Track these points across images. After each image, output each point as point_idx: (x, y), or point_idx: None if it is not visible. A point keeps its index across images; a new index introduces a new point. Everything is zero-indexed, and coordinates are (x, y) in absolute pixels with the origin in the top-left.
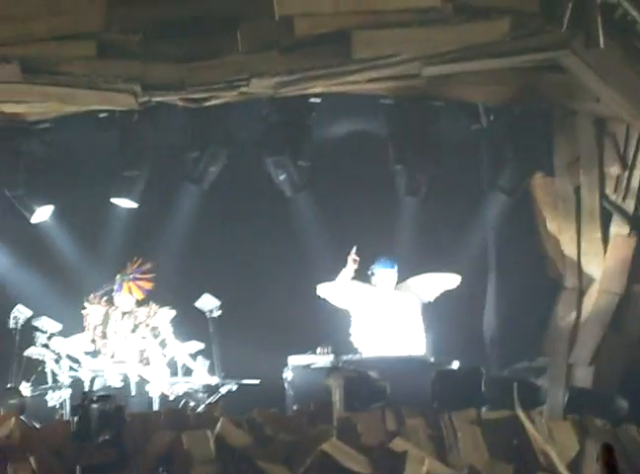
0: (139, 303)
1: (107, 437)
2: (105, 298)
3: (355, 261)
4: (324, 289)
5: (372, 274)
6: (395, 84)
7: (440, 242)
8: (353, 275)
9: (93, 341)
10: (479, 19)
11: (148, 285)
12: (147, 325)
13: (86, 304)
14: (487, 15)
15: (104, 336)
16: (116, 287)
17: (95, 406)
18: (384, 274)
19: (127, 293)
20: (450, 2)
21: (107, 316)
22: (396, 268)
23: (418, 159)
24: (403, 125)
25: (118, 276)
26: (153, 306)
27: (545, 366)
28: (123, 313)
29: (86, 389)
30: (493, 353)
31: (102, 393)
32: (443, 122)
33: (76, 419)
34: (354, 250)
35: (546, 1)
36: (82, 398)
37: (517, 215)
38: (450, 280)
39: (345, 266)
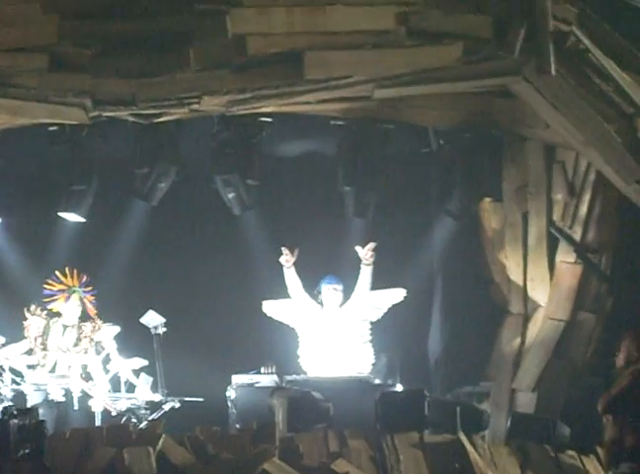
0: (83, 318)
1: (26, 451)
2: (45, 310)
3: (287, 260)
4: (269, 307)
5: (319, 292)
6: (347, 105)
7: (387, 264)
8: (295, 276)
9: (32, 351)
10: (432, 43)
11: (91, 298)
12: (91, 340)
13: (27, 315)
14: (440, 39)
15: (44, 348)
16: (73, 302)
17: (14, 421)
18: (330, 291)
19: (78, 308)
20: (404, 25)
21: (47, 328)
22: (342, 286)
23: (366, 180)
24: (353, 147)
25: (71, 291)
26: (98, 322)
27: (489, 391)
28: (65, 326)
29: (28, 403)
30: (437, 376)
31: (21, 407)
32: (394, 145)
33: None
34: (284, 250)
35: (499, 27)
36: (1, 413)
37: (463, 239)
38: (395, 295)
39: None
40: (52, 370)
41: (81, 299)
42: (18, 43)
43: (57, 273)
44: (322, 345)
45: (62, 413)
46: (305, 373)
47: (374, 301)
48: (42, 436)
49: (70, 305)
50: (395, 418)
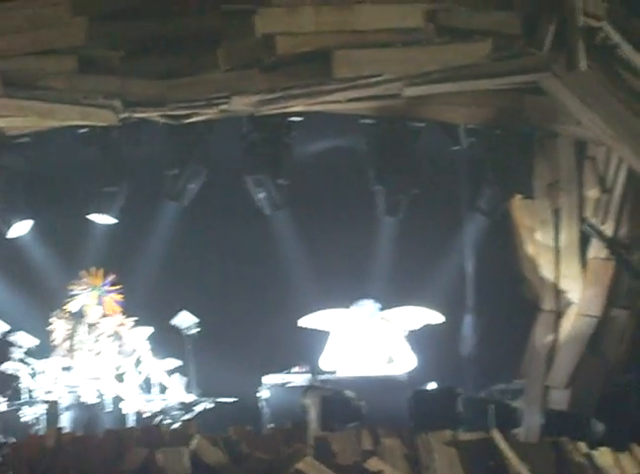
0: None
1: None
2: (69, 312)
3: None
4: (305, 321)
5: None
6: (376, 104)
7: (419, 262)
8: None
9: (64, 356)
10: (461, 40)
11: (119, 297)
12: (118, 337)
13: (52, 320)
14: (469, 36)
15: (71, 349)
16: (93, 302)
17: None
18: (366, 306)
19: (102, 308)
20: (433, 23)
21: (74, 329)
22: (378, 307)
23: (397, 179)
24: (383, 145)
25: (92, 291)
26: (119, 317)
27: (522, 388)
28: (90, 325)
29: (61, 405)
30: (470, 373)
31: None
32: (424, 143)
33: None
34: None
35: (528, 23)
36: None
37: (495, 237)
38: (434, 317)
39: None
40: (87, 373)
41: (99, 298)
42: (47, 46)
43: (82, 272)
44: (355, 344)
45: (94, 415)
46: (335, 373)
47: (412, 316)
48: None
49: (90, 304)
50: (428, 416)
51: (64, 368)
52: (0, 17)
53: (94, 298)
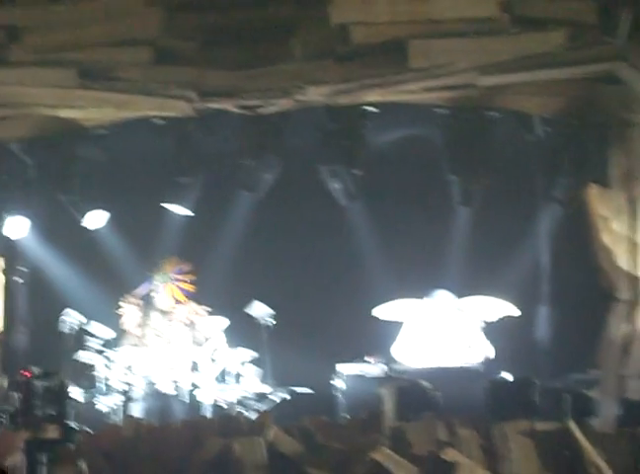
0: (178, 302)
1: (52, 413)
2: (141, 299)
3: None
4: (379, 311)
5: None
6: (450, 94)
7: (494, 251)
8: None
9: (132, 341)
10: (536, 29)
11: (189, 287)
12: (190, 325)
13: (123, 304)
14: (543, 25)
15: (143, 335)
16: (156, 288)
17: (39, 382)
18: (441, 297)
19: (169, 295)
20: (507, 12)
21: (146, 316)
22: (453, 296)
23: (472, 169)
24: (458, 135)
25: (157, 277)
26: (192, 304)
27: (598, 378)
28: (162, 312)
29: (136, 395)
30: (545, 363)
31: (45, 370)
32: (498, 133)
33: (20, 395)
34: None
35: (604, 12)
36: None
37: (571, 226)
38: (509, 309)
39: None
40: (158, 361)
41: (163, 284)
42: (122, 37)
43: (161, 261)
44: (430, 335)
45: (170, 404)
46: (408, 363)
47: (489, 306)
48: (66, 398)
49: (159, 291)
50: (504, 406)
51: (138, 359)
52: (75, 9)
53: (157, 285)
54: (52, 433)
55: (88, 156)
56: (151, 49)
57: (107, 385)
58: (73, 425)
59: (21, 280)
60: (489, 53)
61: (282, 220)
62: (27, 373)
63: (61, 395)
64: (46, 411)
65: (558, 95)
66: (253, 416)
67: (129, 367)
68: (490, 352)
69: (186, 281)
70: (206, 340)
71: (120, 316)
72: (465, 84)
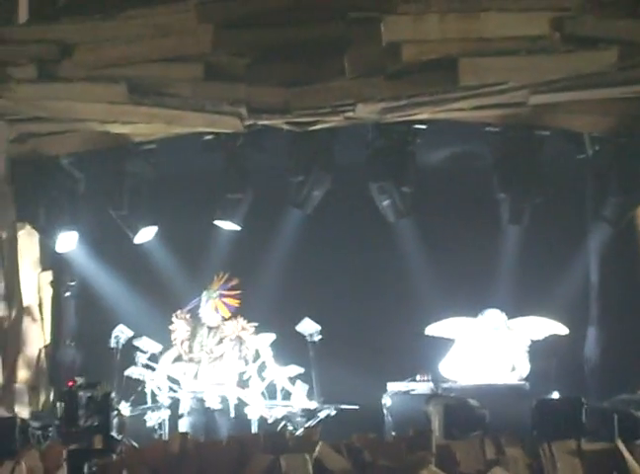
0: (226, 318)
1: (94, 424)
2: (190, 314)
3: None
4: (432, 330)
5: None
6: (501, 112)
7: (543, 270)
8: None
9: (180, 356)
10: (587, 48)
11: (235, 302)
12: (240, 342)
13: (174, 319)
14: (595, 44)
15: (190, 350)
16: (203, 304)
17: (82, 392)
18: (492, 316)
19: (214, 311)
20: (558, 31)
21: (194, 331)
22: (504, 319)
23: (522, 187)
24: (507, 153)
25: (204, 293)
26: (240, 320)
27: None
28: (210, 328)
29: (184, 410)
30: (593, 383)
31: (90, 380)
32: (548, 151)
33: (63, 404)
34: None
35: None
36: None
37: (620, 246)
38: (558, 328)
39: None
40: (205, 377)
41: (209, 300)
42: (173, 53)
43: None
44: (479, 353)
45: (217, 420)
46: (456, 381)
47: (537, 326)
48: (110, 409)
49: (205, 307)
50: (552, 425)
51: (187, 373)
52: (126, 25)
53: (203, 301)
54: (95, 443)
55: (137, 171)
56: (202, 65)
57: (155, 400)
58: (116, 435)
59: (69, 294)
60: (540, 72)
61: (331, 237)
62: (70, 383)
63: (105, 405)
64: (90, 421)
65: (608, 114)
66: (300, 432)
67: (179, 383)
68: (527, 370)
69: (232, 297)
70: (254, 356)
71: (168, 331)
72: (516, 102)
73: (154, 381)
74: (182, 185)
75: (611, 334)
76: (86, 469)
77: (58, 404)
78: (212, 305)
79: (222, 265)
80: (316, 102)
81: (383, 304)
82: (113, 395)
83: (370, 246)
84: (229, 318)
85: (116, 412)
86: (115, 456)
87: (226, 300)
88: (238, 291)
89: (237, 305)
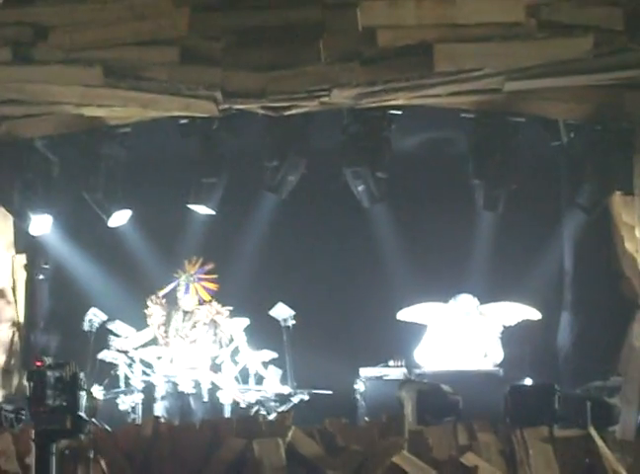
0: (203, 301)
1: (63, 404)
2: (165, 299)
3: None
4: (403, 314)
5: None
6: (476, 98)
7: (516, 257)
8: None
9: (155, 339)
10: (562, 35)
11: (213, 286)
12: (214, 325)
13: (149, 304)
14: (570, 31)
15: (166, 335)
16: (181, 289)
17: (51, 372)
18: (465, 301)
19: (194, 295)
20: (534, 17)
21: (169, 316)
22: (476, 304)
23: (496, 174)
24: (483, 140)
25: (182, 278)
26: (214, 304)
27: (619, 386)
28: (185, 313)
29: (157, 394)
30: (567, 370)
31: (58, 360)
32: (523, 138)
33: (31, 384)
34: None
35: (631, 19)
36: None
37: (594, 233)
38: (530, 313)
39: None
40: (179, 361)
41: (187, 285)
42: (149, 36)
43: (185, 261)
44: (452, 339)
45: (190, 404)
46: (430, 366)
47: (509, 311)
48: (78, 389)
49: (183, 291)
50: (525, 412)
51: (159, 358)
52: (102, 8)
53: (182, 285)
54: (63, 423)
55: (112, 155)
56: (178, 49)
57: (128, 384)
58: (85, 416)
59: (43, 277)
60: (515, 58)
61: (306, 222)
62: (39, 363)
63: (73, 385)
64: (58, 401)
65: (584, 101)
66: (273, 417)
67: (152, 367)
68: (500, 357)
69: (210, 281)
70: (228, 340)
71: (142, 315)
72: (491, 89)
73: (127, 365)
74: (156, 169)
75: (585, 320)
76: (53, 449)
77: (26, 383)
78: (192, 289)
79: (197, 249)
80: (292, 87)
81: (357, 289)
82: (81, 375)
83: (345, 231)
84: (207, 302)
85: (85, 393)
86: (83, 437)
87: (205, 284)
88: (215, 276)
89: (215, 289)
